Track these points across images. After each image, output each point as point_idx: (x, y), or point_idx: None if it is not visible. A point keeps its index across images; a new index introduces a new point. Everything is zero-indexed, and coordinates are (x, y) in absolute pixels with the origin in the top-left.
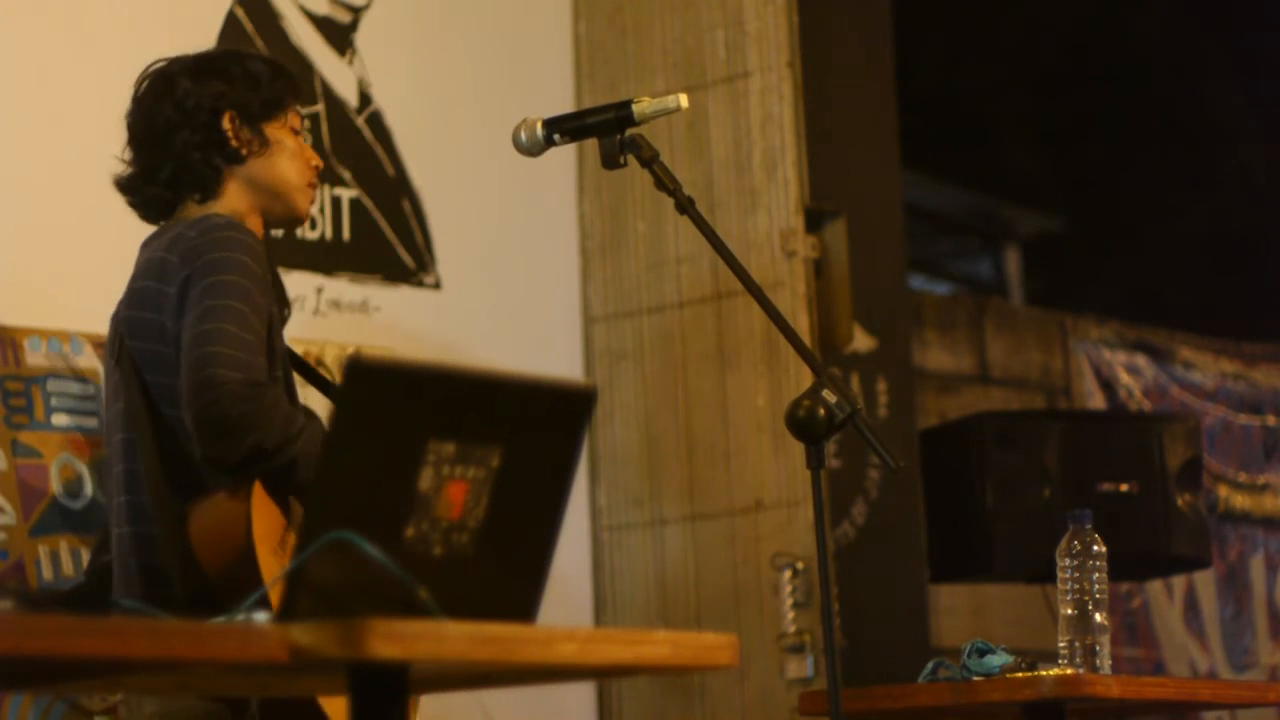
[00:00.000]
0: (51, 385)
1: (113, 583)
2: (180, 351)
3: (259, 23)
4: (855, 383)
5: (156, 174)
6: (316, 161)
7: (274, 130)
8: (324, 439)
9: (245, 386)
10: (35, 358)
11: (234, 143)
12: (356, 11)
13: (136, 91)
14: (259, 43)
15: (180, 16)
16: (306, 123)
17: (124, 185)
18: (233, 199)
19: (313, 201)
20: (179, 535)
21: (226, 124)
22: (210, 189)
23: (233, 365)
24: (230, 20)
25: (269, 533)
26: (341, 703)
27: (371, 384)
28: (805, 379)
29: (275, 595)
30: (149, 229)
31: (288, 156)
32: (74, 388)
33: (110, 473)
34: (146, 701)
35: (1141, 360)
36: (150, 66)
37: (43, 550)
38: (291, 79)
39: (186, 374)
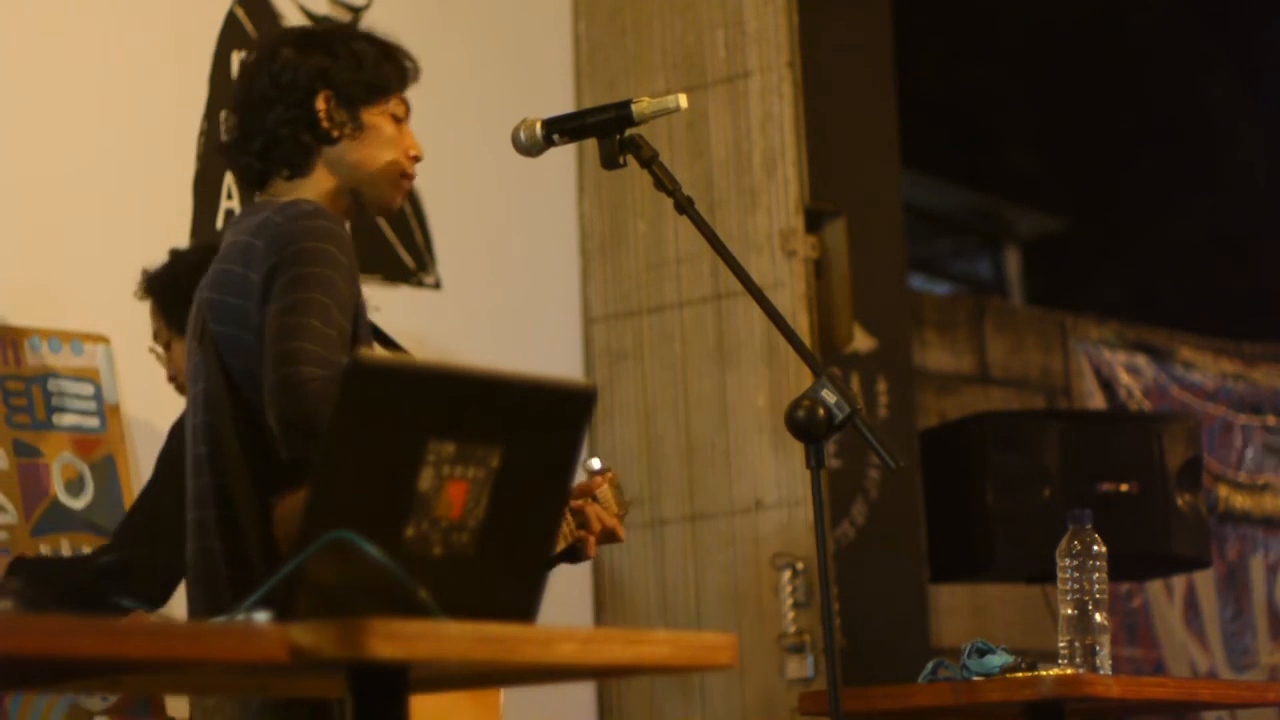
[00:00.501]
0: (52, 385)
1: (187, 566)
2: (262, 341)
3: (259, 23)
4: (855, 383)
5: (249, 144)
6: (416, 151)
7: (372, 115)
8: (324, 439)
9: (327, 384)
10: (36, 358)
11: (325, 123)
12: (356, 11)
13: (247, 58)
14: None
15: (180, 16)
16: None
17: (224, 151)
18: (321, 180)
19: (406, 193)
20: (261, 524)
21: (321, 103)
22: (299, 166)
23: (315, 361)
24: (230, 20)
25: None
26: (427, 702)
27: (371, 384)
28: (805, 379)
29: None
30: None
31: (383, 143)
32: (74, 388)
33: (191, 455)
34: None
35: (1141, 360)
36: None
37: (44, 550)
38: (400, 64)
39: (269, 369)
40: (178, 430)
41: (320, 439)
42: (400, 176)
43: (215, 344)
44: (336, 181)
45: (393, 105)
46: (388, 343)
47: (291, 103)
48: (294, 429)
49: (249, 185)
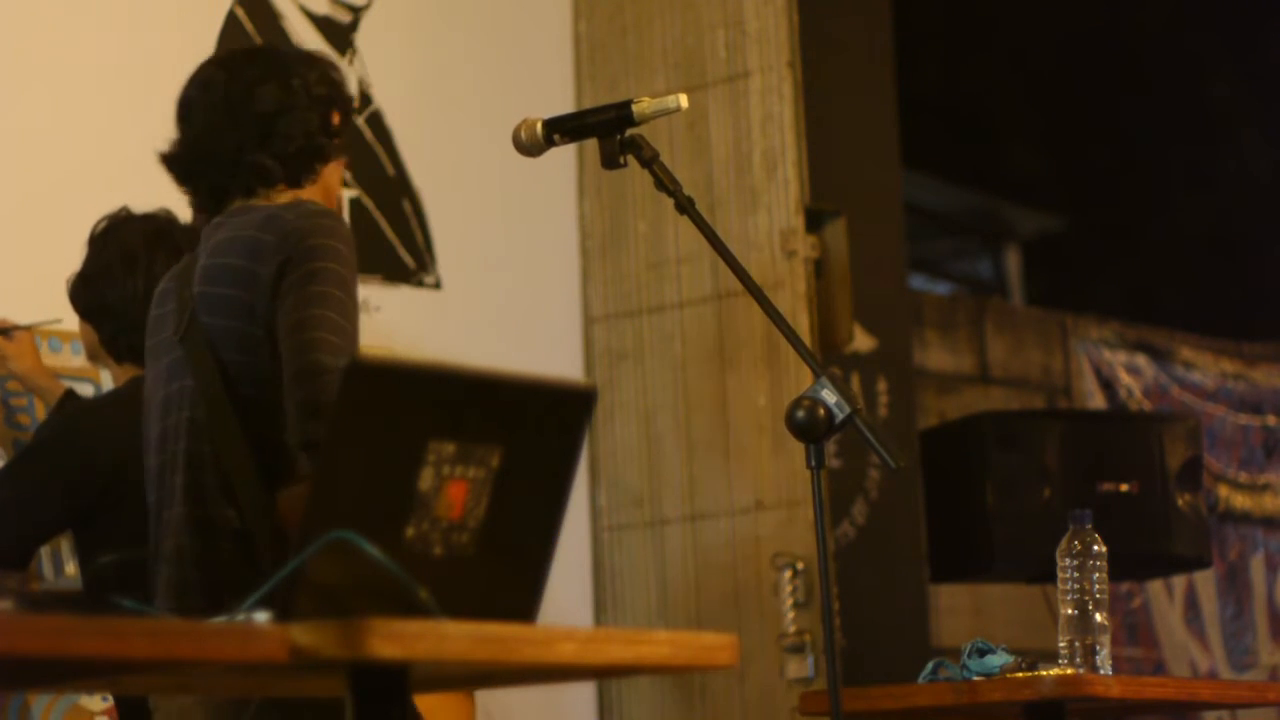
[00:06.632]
0: None
1: (162, 564)
2: (269, 333)
3: (259, 23)
4: (855, 383)
5: (270, 145)
6: (341, 193)
7: (339, 147)
8: (324, 439)
9: None
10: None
11: (336, 139)
12: (356, 11)
13: (232, 61)
14: (259, 43)
15: (180, 16)
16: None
17: (220, 145)
18: (312, 194)
19: None
20: (268, 517)
21: (336, 119)
22: (308, 176)
23: (337, 352)
24: (230, 20)
25: None
26: (432, 701)
27: (371, 384)
28: (805, 379)
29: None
30: None
31: (339, 173)
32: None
33: (163, 451)
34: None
35: (1141, 360)
36: (239, 51)
37: (44, 549)
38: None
39: (291, 357)
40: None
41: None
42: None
43: (207, 337)
44: (320, 199)
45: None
46: None
47: (320, 113)
48: (316, 416)
49: (232, 197)
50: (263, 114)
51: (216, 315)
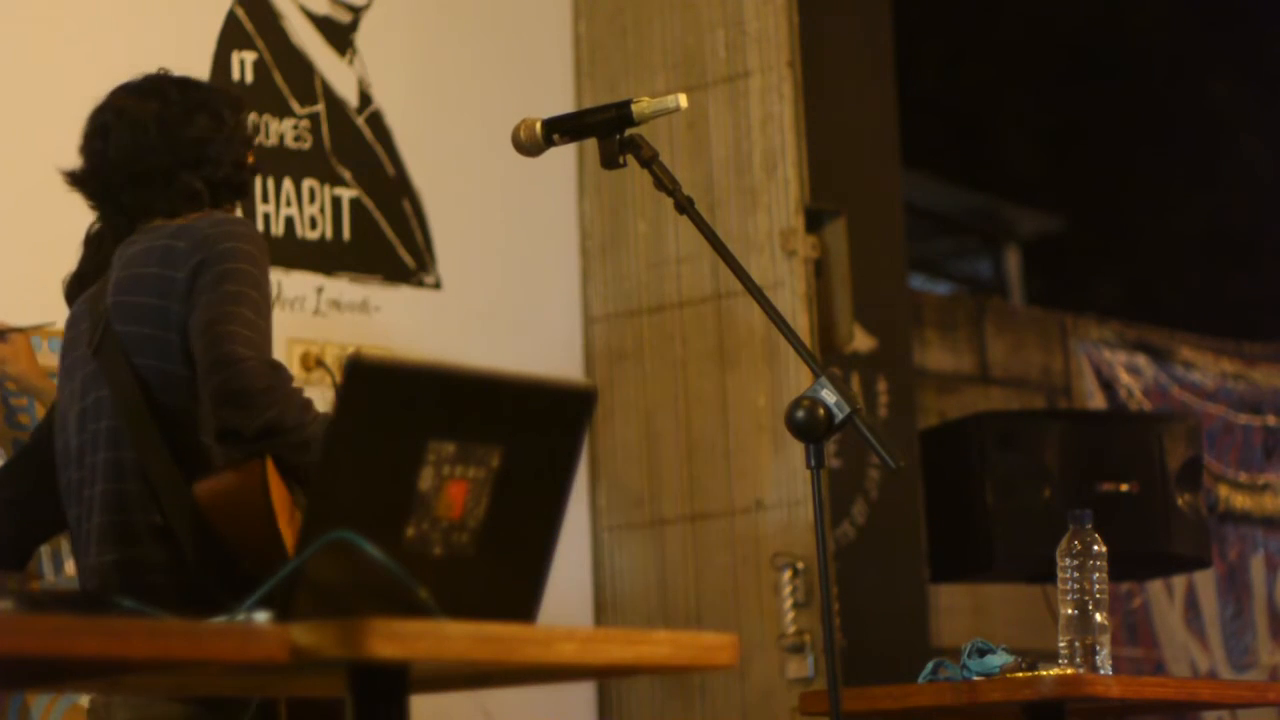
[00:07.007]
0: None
1: (88, 574)
2: (183, 338)
3: (259, 23)
4: (855, 383)
5: (197, 170)
6: None
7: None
8: (324, 438)
9: (265, 365)
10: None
11: (249, 175)
12: (356, 11)
13: (158, 88)
14: (259, 43)
15: (180, 16)
16: None
17: (144, 162)
18: None
19: None
20: (189, 514)
21: (251, 158)
22: (226, 205)
23: (248, 344)
24: (230, 20)
25: (281, 505)
26: None
27: (371, 384)
28: (805, 379)
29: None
30: None
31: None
32: None
33: (82, 464)
34: (117, 710)
35: (1141, 360)
36: (169, 76)
37: (44, 549)
38: None
39: (205, 350)
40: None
41: (252, 412)
42: None
43: (121, 346)
44: None
45: None
46: None
47: (244, 151)
48: (229, 400)
49: (168, 208)
50: (198, 139)
51: (131, 323)
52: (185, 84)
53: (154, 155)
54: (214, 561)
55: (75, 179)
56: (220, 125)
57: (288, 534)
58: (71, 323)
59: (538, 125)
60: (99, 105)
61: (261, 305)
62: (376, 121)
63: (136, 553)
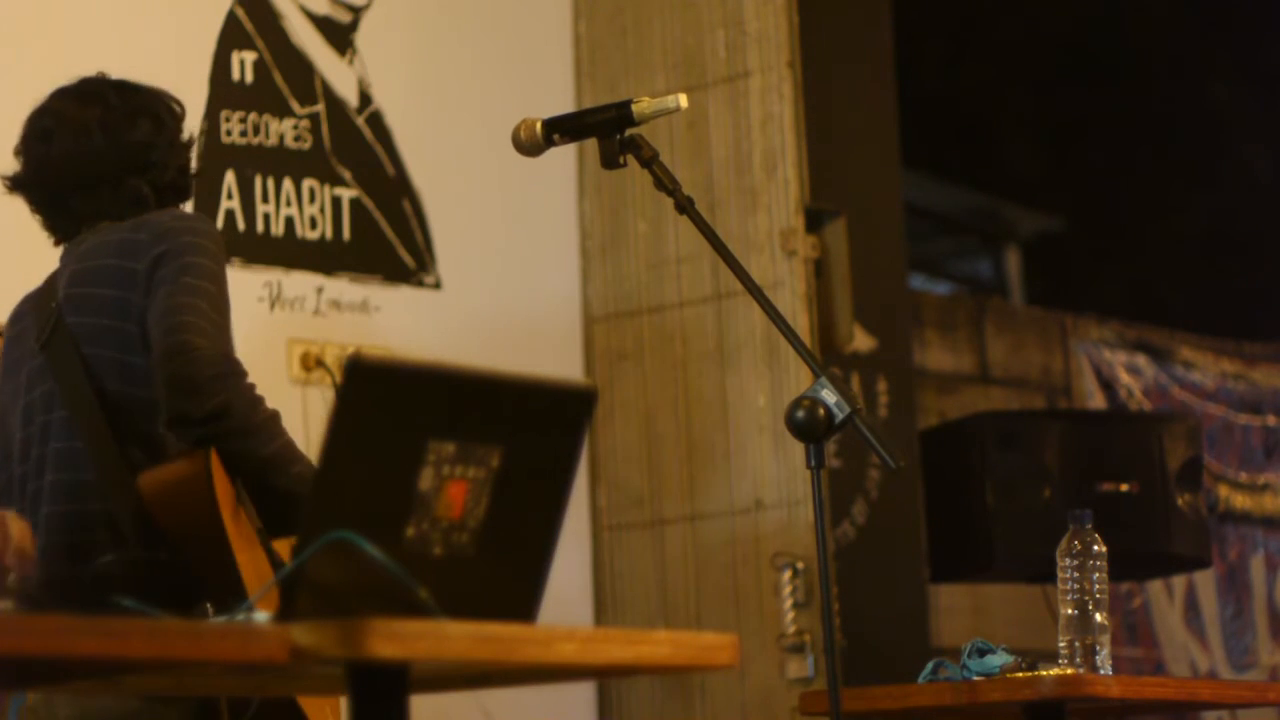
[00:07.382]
0: None
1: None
2: (142, 329)
3: (259, 23)
4: (855, 383)
5: (144, 173)
6: None
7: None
8: (324, 438)
9: (218, 354)
10: None
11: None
12: (356, 11)
13: (98, 92)
14: (259, 42)
15: (180, 16)
16: None
17: (98, 157)
18: None
19: None
20: (130, 500)
21: (195, 162)
22: (175, 204)
23: (204, 334)
24: (230, 20)
25: (225, 498)
26: (318, 702)
27: (371, 384)
28: (805, 379)
29: (256, 591)
30: None
31: None
32: None
33: (26, 459)
34: (60, 706)
35: (1141, 360)
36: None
37: None
38: None
39: (161, 338)
40: None
41: (201, 398)
42: None
43: (72, 338)
44: None
45: None
46: None
47: (187, 157)
48: (180, 386)
49: (115, 211)
50: (143, 143)
51: (88, 315)
52: (124, 88)
53: (100, 161)
54: (158, 553)
55: (17, 183)
56: (161, 129)
57: (231, 527)
58: (11, 323)
59: (538, 125)
60: (37, 109)
61: (219, 300)
62: (376, 121)
63: (87, 539)
